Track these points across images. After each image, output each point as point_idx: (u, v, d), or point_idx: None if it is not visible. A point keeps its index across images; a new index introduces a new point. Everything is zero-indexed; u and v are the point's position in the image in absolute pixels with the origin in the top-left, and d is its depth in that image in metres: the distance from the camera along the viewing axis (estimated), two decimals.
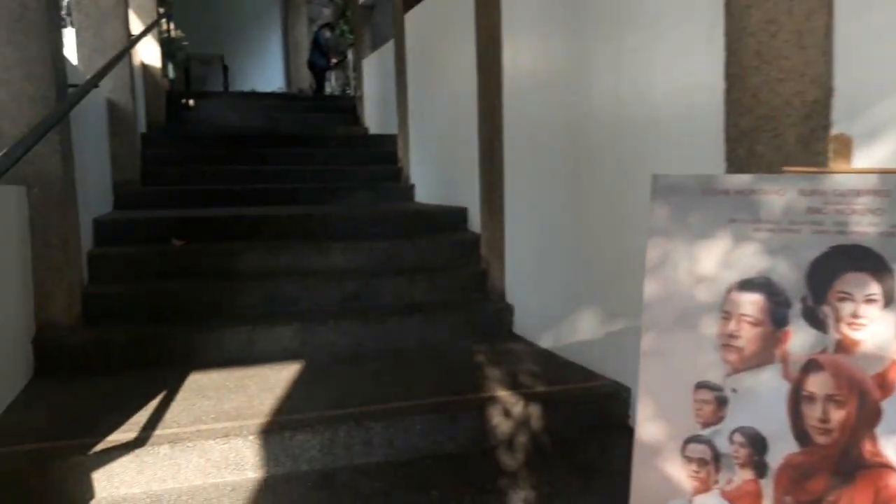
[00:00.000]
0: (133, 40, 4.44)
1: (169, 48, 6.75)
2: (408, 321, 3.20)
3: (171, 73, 6.69)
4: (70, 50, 4.27)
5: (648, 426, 1.47)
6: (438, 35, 4.69)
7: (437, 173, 4.84)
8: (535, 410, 2.36)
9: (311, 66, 10.72)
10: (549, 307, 3.08)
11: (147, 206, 4.49)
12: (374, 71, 6.79)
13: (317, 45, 11.04)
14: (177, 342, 2.89)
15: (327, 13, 11.48)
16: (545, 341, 3.12)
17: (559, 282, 2.99)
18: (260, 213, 4.00)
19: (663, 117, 2.27)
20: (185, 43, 9.39)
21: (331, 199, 4.90)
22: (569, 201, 2.89)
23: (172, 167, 5.08)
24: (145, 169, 4.96)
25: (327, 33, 11.29)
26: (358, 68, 7.40)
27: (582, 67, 2.74)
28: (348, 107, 7.81)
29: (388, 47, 5.97)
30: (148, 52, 6.36)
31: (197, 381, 2.64)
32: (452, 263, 3.81)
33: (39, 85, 2.70)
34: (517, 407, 2.35)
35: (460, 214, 4.24)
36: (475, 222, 4.13)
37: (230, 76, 11.91)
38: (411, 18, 5.20)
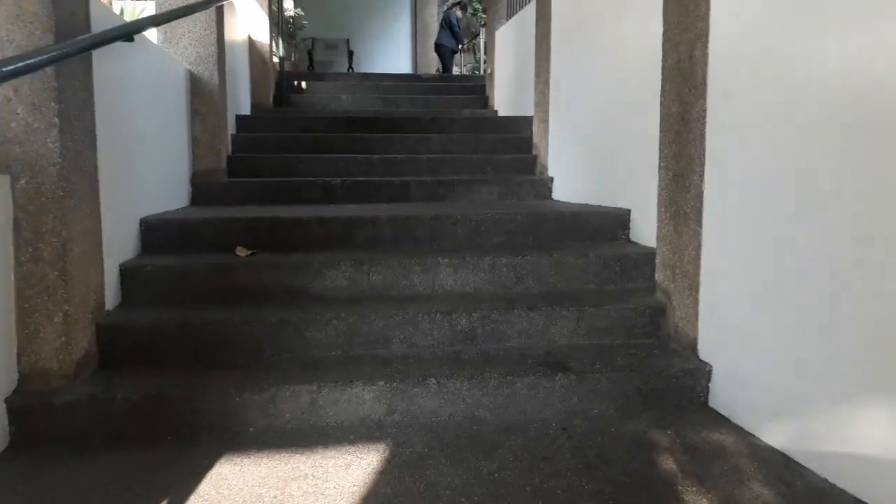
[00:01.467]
0: None
1: (282, 24, 6.04)
2: (545, 384, 2.12)
3: (280, 50, 5.96)
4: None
5: None
6: None
7: (585, 163, 3.68)
8: None
9: (438, 48, 9.81)
10: (788, 381, 1.86)
11: (228, 202, 3.72)
12: (507, 43, 5.71)
13: (447, 26, 10.15)
14: (211, 403, 1.99)
15: None
16: (774, 435, 1.91)
17: (815, 344, 1.77)
18: (354, 213, 3.07)
19: None
20: (305, 22, 8.83)
21: (447, 196, 3.90)
22: (850, 218, 1.66)
23: (266, 155, 4.31)
24: (235, 156, 4.22)
25: (458, 13, 10.39)
26: (489, 42, 6.35)
27: None
28: (476, 87, 6.79)
29: (529, 10, 4.87)
30: (257, 28, 5.71)
31: (222, 478, 1.72)
32: (610, 291, 2.67)
33: (32, 30, 1.88)
34: None
35: (619, 219, 3.08)
36: (643, 231, 2.94)
37: (355, 61, 11.32)
38: None
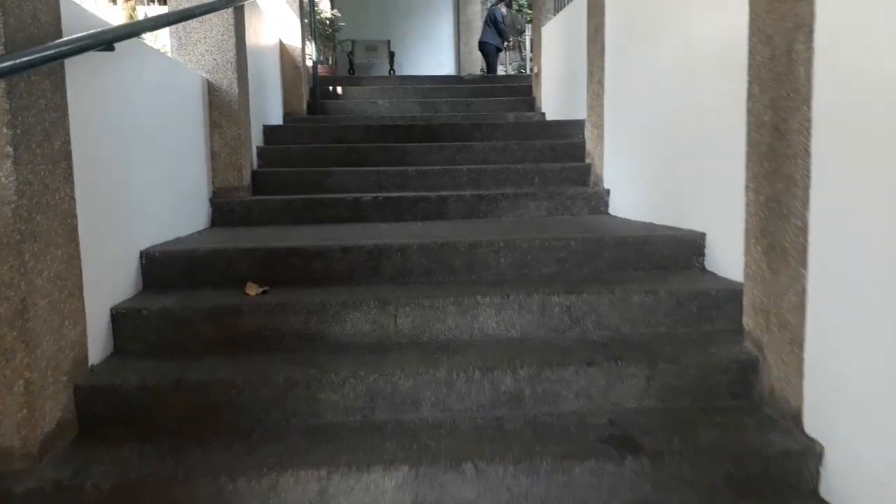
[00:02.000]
0: None
1: (314, 27, 5.72)
2: (611, 469, 1.69)
3: (314, 54, 5.64)
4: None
5: None
6: None
7: (647, 173, 3.22)
8: None
9: (482, 46, 9.37)
10: None
11: (250, 222, 3.40)
12: (555, 39, 5.26)
13: (491, 23, 9.72)
14: (199, 493, 1.63)
15: None
16: None
17: None
18: (381, 239, 2.69)
19: None
20: (342, 24, 8.51)
21: (489, 212, 3.49)
22: None
23: (293, 169, 3.97)
24: (261, 171, 3.90)
25: (503, 9, 9.93)
26: (535, 39, 5.91)
27: None
28: (521, 88, 6.34)
29: (579, 3, 4.41)
30: (288, 32, 5.40)
31: None
32: (686, 337, 2.21)
33: None
34: None
35: (692, 245, 2.61)
36: (721, 259, 2.48)
37: (397, 62, 10.97)
38: None
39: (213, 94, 3.47)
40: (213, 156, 3.49)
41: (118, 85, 2.29)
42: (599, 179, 3.83)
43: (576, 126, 4.45)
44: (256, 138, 4.15)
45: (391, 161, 4.11)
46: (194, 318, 2.18)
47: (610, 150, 3.72)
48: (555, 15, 5.46)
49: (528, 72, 9.87)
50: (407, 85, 6.52)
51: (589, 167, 3.97)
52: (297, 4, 5.48)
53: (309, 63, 5.80)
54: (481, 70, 10.19)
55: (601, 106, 3.79)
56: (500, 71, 9.85)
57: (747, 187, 2.06)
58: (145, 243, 2.52)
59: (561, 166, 3.97)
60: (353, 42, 10.70)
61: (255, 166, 3.98)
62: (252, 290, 2.36)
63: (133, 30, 2.17)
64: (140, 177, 2.46)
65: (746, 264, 2.09)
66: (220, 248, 2.56)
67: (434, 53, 11.79)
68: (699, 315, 2.28)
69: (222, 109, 3.49)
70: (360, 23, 10.71)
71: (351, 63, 10.51)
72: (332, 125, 4.68)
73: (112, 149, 2.20)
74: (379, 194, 3.52)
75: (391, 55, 10.91)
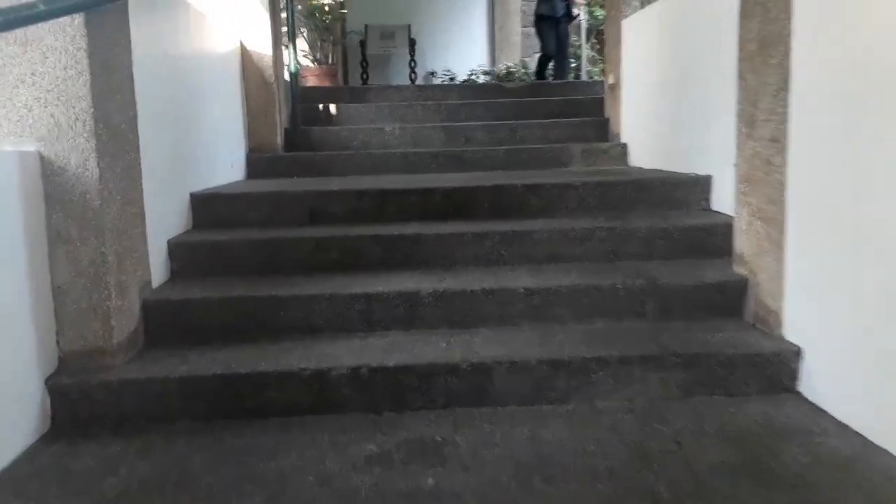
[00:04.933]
0: None
1: (293, 22, 4.02)
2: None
3: (292, 62, 3.97)
4: None
5: None
6: None
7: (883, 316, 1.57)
8: None
9: (541, 21, 6.91)
10: None
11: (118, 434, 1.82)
12: (652, 38, 3.50)
13: None
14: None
15: None
16: None
17: None
18: None
19: None
20: (344, 11, 6.74)
21: (570, 398, 1.81)
22: None
23: (220, 292, 2.23)
24: (159, 301, 2.19)
25: None
26: (610, 36, 4.12)
27: None
28: (587, 103, 4.46)
29: None
30: (254, 32, 3.73)
31: None
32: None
33: None
34: None
35: None
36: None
37: (418, 51, 9.19)
38: None
39: (51, 184, 1.84)
40: (57, 296, 1.87)
41: None
42: (776, 321, 2.05)
43: (695, 188, 2.72)
44: (169, 225, 2.47)
45: (392, 263, 2.42)
46: None
47: (796, 269, 1.99)
48: (643, 5, 3.69)
49: (584, 76, 7.83)
50: (427, 100, 4.78)
51: (746, 285, 2.20)
52: None
53: (288, 74, 4.12)
54: (535, 54, 8.10)
55: (778, 172, 2.03)
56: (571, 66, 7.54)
57: None
58: None
59: (693, 284, 2.22)
60: (367, 27, 8.95)
61: (154, 284, 2.28)
62: None
63: None
64: None
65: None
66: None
67: (464, 39, 9.92)
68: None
69: (71, 212, 1.86)
70: (374, 4, 8.95)
71: (364, 55, 8.74)
72: (302, 191, 2.88)
73: None
74: (362, 365, 1.87)
75: (411, 43, 9.11)
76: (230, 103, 3.50)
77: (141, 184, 2.12)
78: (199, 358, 1.94)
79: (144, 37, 2.22)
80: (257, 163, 3.66)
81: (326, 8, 6.23)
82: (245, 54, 3.74)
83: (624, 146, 3.72)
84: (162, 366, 1.90)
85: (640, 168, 3.49)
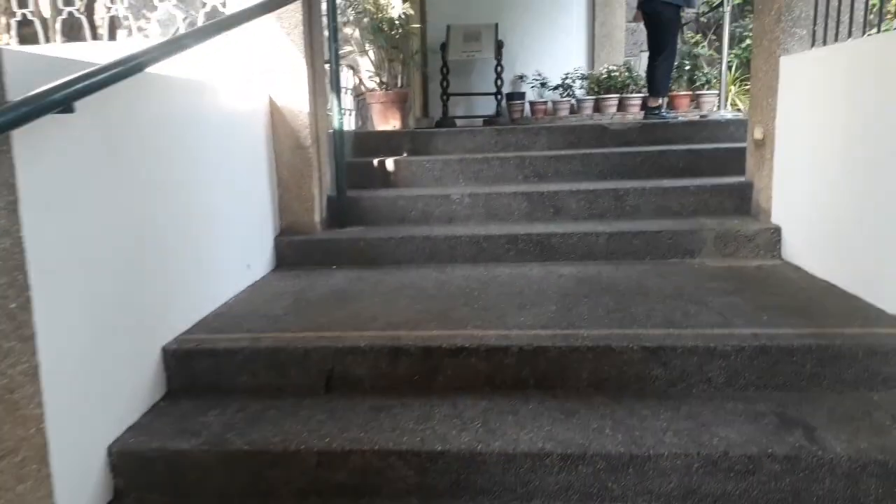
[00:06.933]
0: None
1: (338, 67, 3.17)
2: None
3: (336, 114, 3.16)
4: None
5: None
6: None
7: None
8: None
9: (646, 12, 5.31)
10: None
11: None
12: (832, 79, 2.41)
13: None
14: None
15: None
16: None
17: None
18: None
19: None
20: (417, 26, 5.85)
21: None
22: None
23: None
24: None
25: None
26: (757, 77, 2.97)
27: None
28: (719, 155, 3.29)
29: None
30: (287, 82, 2.94)
31: None
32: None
33: None
34: None
35: None
36: None
37: (506, 55, 8.18)
38: None
39: None
40: None
41: None
42: None
43: None
44: (118, 412, 1.76)
45: (433, 494, 1.58)
46: None
47: None
48: (815, 44, 2.58)
49: (724, 110, 6.24)
50: (507, 148, 3.84)
51: None
52: (301, 33, 2.97)
53: (332, 128, 3.29)
54: (642, 53, 6.80)
55: None
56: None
57: None
58: None
59: None
60: (449, 28, 8.03)
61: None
62: None
63: None
64: None
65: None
66: None
67: (557, 37, 8.82)
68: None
69: None
70: (455, 5, 8.01)
71: (444, 64, 7.78)
72: (317, 348, 1.98)
73: None
74: None
75: (498, 46, 8.10)
76: (252, 178, 2.74)
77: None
78: None
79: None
80: (288, 249, 2.90)
81: (397, 22, 5.35)
82: (275, 112, 2.96)
83: (776, 231, 2.65)
84: None
85: (802, 271, 2.45)
